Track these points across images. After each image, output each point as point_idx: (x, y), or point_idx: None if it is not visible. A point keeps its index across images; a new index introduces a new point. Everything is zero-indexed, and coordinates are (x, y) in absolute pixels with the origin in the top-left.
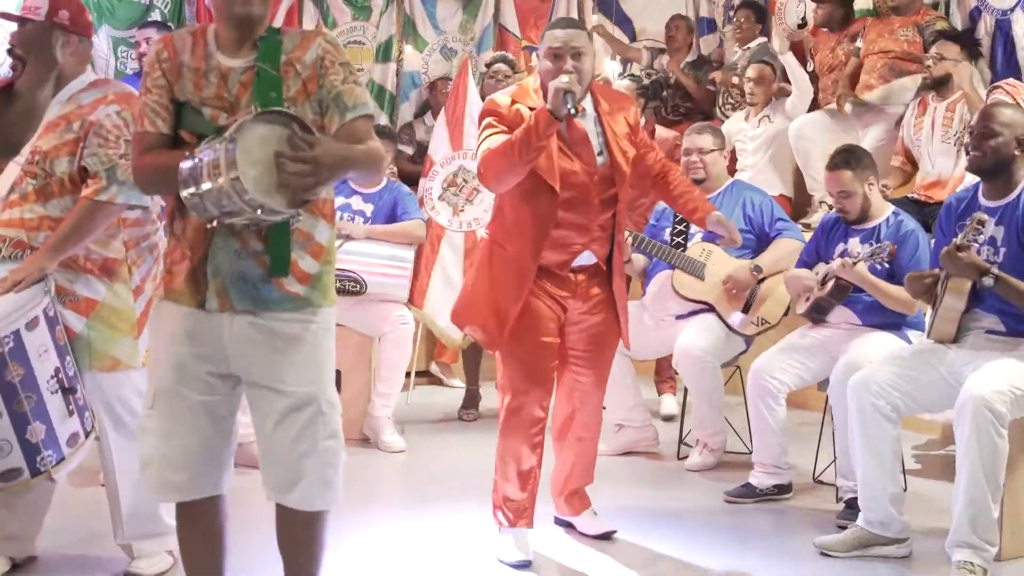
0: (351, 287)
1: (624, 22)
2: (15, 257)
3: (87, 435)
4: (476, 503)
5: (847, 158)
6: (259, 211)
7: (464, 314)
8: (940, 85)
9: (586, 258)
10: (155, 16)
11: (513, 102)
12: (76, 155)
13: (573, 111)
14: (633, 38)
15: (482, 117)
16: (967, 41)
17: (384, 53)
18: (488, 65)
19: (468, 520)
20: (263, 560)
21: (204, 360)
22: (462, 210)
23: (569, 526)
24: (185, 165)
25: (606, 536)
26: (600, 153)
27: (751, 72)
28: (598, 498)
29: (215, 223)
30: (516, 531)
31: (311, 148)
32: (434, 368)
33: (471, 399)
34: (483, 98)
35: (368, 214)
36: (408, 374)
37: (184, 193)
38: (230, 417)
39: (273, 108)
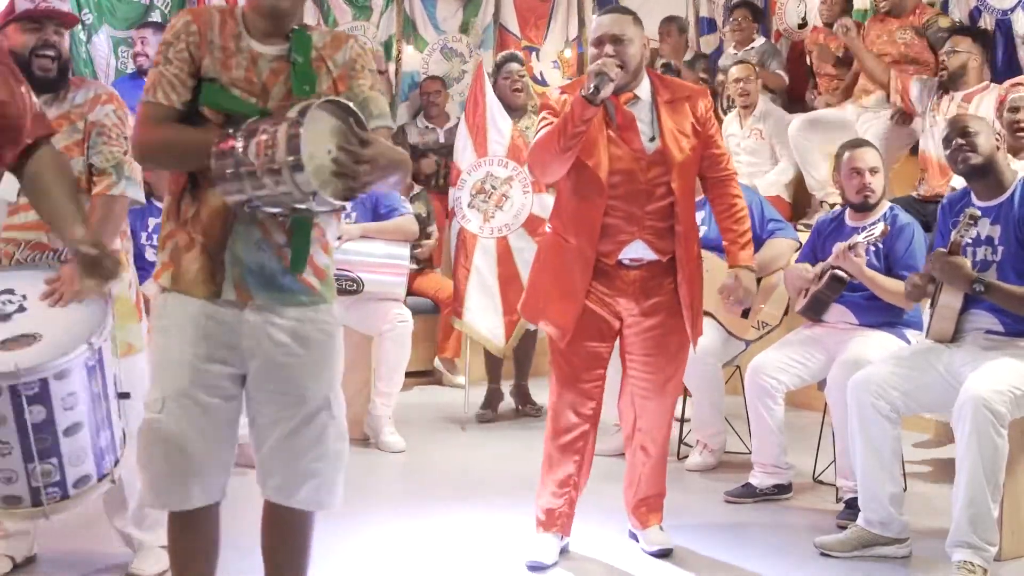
0: (348, 286)
1: None
2: (33, 260)
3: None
4: (476, 503)
5: (867, 141)
6: (310, 199)
7: (536, 309)
8: (956, 79)
9: (637, 250)
10: (155, 16)
11: (563, 93)
12: (85, 155)
13: (594, 89)
14: None
15: (539, 113)
16: (978, 34)
17: (384, 53)
18: (499, 66)
19: (468, 520)
20: (258, 559)
21: (219, 361)
22: (492, 216)
23: (638, 540)
24: (225, 142)
25: (662, 554)
26: (652, 139)
27: (736, 72)
28: (597, 499)
29: (244, 207)
30: (546, 535)
31: (366, 145)
32: (437, 364)
33: (490, 399)
34: (499, 99)
35: (349, 211)
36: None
37: (219, 171)
38: (237, 421)
39: (334, 99)
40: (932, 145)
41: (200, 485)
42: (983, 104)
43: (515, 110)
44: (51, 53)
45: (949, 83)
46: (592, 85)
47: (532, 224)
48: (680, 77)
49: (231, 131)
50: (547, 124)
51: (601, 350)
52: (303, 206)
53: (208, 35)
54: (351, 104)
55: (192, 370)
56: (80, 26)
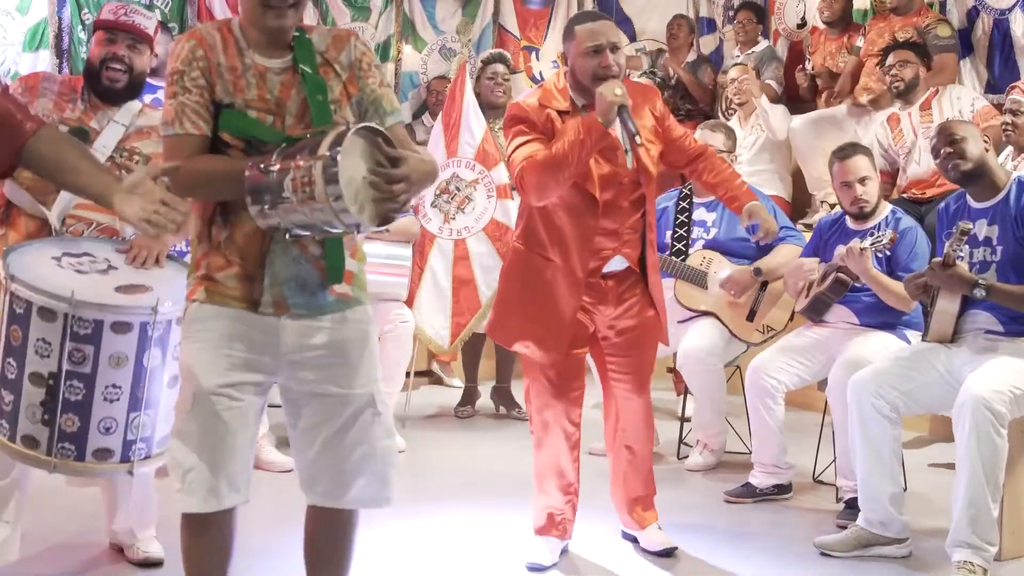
0: None
1: (624, 22)
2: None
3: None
4: (476, 503)
5: (856, 146)
6: (354, 229)
7: (511, 331)
8: (912, 88)
9: (617, 263)
10: (155, 16)
11: (541, 106)
12: None
13: (637, 135)
14: (633, 38)
15: (509, 124)
16: (917, 47)
17: (382, 53)
18: (485, 64)
19: (468, 520)
20: (261, 560)
21: (257, 365)
22: (453, 218)
23: (635, 541)
24: (257, 175)
25: (667, 553)
26: (627, 152)
27: (734, 73)
28: (596, 499)
29: (283, 234)
30: (547, 539)
31: (398, 164)
32: (435, 367)
33: (468, 396)
34: (479, 98)
35: None
36: (408, 374)
37: (255, 203)
38: (260, 420)
39: (362, 125)
40: (912, 166)
41: (230, 485)
42: (944, 106)
43: (493, 108)
44: (119, 67)
45: (905, 93)
46: (629, 124)
47: (493, 229)
48: (667, 84)
49: (261, 165)
50: (527, 140)
51: (583, 355)
52: (342, 232)
53: (215, 58)
54: (376, 125)
55: (230, 369)
56: (80, 26)
